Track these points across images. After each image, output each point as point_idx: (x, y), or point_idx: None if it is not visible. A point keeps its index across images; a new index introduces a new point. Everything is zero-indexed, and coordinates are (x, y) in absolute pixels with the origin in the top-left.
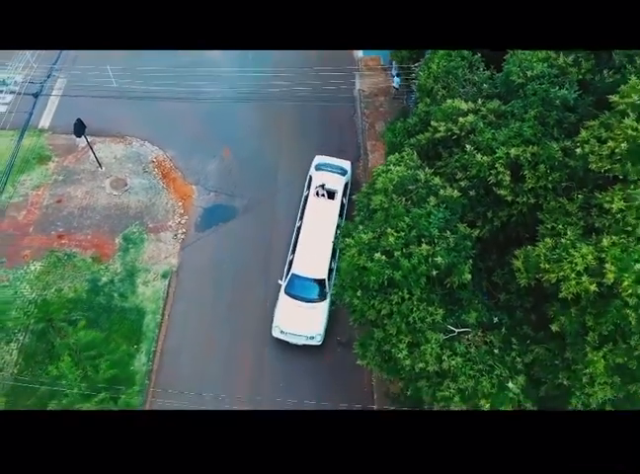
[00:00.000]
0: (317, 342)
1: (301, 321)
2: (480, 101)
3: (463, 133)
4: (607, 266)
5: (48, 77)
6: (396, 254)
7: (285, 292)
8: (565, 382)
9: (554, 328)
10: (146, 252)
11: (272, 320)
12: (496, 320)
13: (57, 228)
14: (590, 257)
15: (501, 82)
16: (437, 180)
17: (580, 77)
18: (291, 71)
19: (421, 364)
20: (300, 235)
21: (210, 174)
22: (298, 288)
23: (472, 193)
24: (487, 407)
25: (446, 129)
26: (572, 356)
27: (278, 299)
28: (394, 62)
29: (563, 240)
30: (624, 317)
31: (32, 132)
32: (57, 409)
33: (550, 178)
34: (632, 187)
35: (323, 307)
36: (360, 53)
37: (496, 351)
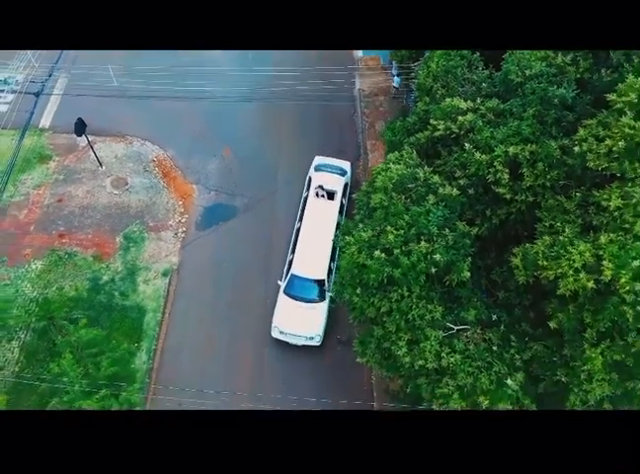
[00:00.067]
0: (316, 342)
1: (301, 321)
2: (479, 100)
3: (462, 132)
4: (605, 263)
5: (49, 76)
6: (395, 252)
7: (285, 293)
8: (563, 379)
9: (552, 325)
10: (147, 250)
11: (271, 319)
12: (495, 317)
13: (58, 227)
14: (587, 254)
15: (500, 81)
16: (436, 178)
17: (578, 76)
18: (291, 71)
19: (420, 362)
20: (300, 235)
21: (211, 173)
22: (298, 289)
23: (471, 191)
24: (486, 404)
25: (446, 128)
26: (570, 353)
27: (277, 300)
28: (394, 62)
29: (561, 237)
30: (622, 314)
31: (33, 132)
32: (58, 408)
33: (548, 176)
34: (629, 184)
35: (322, 308)
36: (359, 53)
37: (495, 348)
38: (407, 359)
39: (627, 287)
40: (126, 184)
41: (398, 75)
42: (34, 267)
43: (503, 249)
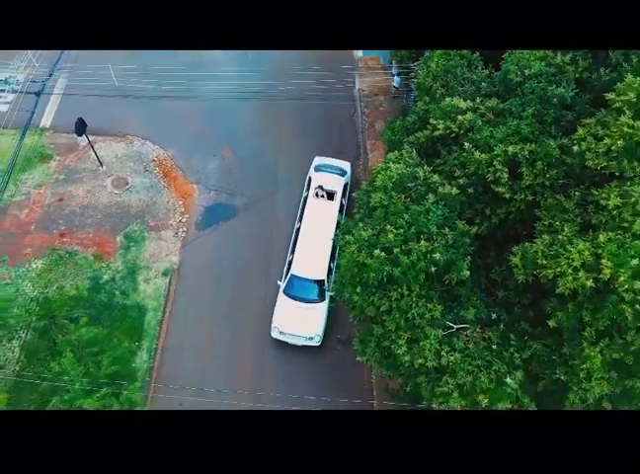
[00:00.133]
0: (316, 343)
1: (300, 322)
2: (478, 99)
3: (462, 131)
4: (604, 261)
5: (50, 76)
6: (395, 250)
7: (284, 293)
8: (562, 377)
9: (552, 324)
10: (147, 250)
11: (271, 319)
12: (494, 316)
13: (59, 226)
14: (586, 253)
15: (499, 80)
16: (435, 177)
17: (577, 75)
18: (291, 71)
19: (420, 360)
20: (299, 236)
21: (211, 173)
22: (297, 289)
23: (470, 190)
24: (485, 402)
25: (445, 127)
26: (569, 352)
27: (277, 300)
28: (394, 62)
29: (560, 236)
30: (620, 312)
31: (33, 131)
32: (59, 407)
33: (547, 175)
34: (628, 183)
35: (322, 308)
36: (359, 53)
37: (494, 346)
38: (407, 358)
39: (626, 286)
40: (127, 183)
41: (398, 75)
42: (34, 266)
43: (502, 248)
